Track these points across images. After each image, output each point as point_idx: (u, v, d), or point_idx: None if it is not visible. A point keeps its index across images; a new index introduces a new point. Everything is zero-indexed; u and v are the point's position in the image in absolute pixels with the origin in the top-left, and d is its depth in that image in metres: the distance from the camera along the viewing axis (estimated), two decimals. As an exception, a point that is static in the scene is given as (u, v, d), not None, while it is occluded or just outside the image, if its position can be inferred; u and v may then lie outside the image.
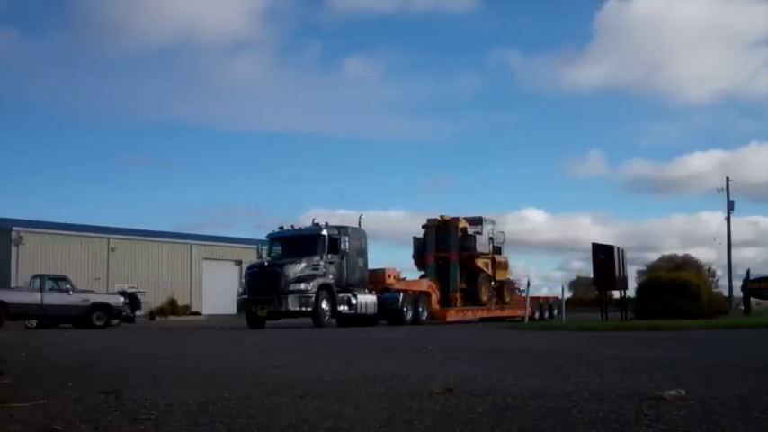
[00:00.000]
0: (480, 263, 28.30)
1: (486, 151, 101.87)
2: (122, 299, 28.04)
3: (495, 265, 29.18)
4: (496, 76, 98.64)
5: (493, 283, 29.06)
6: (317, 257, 22.94)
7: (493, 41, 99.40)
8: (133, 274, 51.40)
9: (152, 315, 43.48)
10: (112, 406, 3.55)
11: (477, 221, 28.85)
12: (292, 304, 21.83)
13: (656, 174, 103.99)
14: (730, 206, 48.47)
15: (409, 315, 24.36)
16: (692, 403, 3.39)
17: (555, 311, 32.23)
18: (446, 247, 27.37)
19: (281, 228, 24.78)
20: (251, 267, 23.98)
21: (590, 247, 25.06)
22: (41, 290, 24.77)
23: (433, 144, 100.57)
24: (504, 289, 30.04)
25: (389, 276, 25.44)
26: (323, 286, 22.36)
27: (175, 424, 3.04)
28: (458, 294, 27.44)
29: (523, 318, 27.77)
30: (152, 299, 46.94)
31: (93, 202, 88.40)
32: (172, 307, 47.72)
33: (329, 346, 9.77)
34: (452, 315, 26.42)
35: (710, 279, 57.68)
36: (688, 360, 6.46)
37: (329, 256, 23.03)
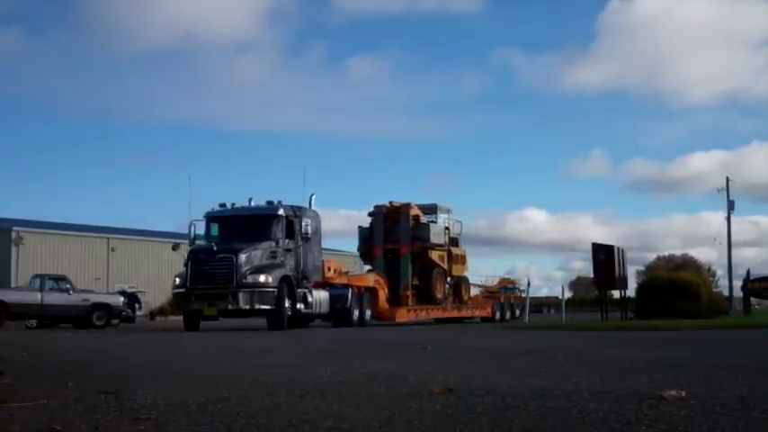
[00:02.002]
0: (435, 256, 24.90)
1: (489, 151, 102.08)
2: (122, 299, 28.05)
3: (451, 258, 25.84)
4: (499, 76, 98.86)
5: (449, 279, 26.05)
6: (274, 243, 19.29)
7: (496, 41, 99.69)
8: (133, 274, 51.42)
9: (152, 315, 43.50)
10: (112, 406, 3.55)
11: (431, 209, 25.65)
12: (250, 301, 18.23)
13: (658, 174, 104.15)
14: (730, 206, 48.55)
15: (355, 314, 21.15)
16: (691, 403, 3.39)
17: (517, 312, 29.88)
18: (396, 237, 24.08)
19: (222, 206, 20.44)
20: (195, 253, 19.21)
21: (590, 247, 25.04)
22: (41, 290, 24.77)
23: (436, 144, 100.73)
24: (461, 286, 27.04)
25: (329, 269, 21.87)
26: (284, 279, 18.72)
27: (175, 424, 3.04)
28: (409, 292, 24.08)
29: (484, 318, 26.47)
30: (152, 299, 46.96)
31: (93, 202, 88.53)
32: (172, 307, 47.70)
33: (329, 346, 9.77)
34: (403, 315, 23.27)
35: (710, 279, 57.76)
36: (688, 360, 6.46)
37: (286, 241, 19.37)
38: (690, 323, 16.30)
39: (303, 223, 19.75)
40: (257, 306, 18.32)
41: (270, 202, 20.14)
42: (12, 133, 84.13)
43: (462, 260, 26.79)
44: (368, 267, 24.78)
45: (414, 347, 8.76)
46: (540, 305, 68.04)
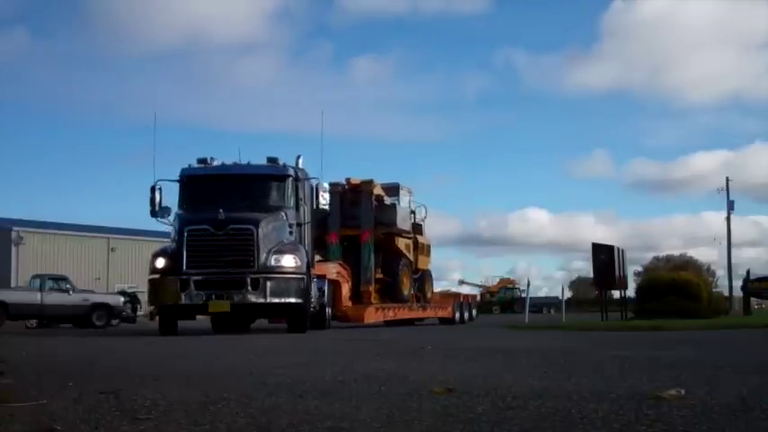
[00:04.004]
0: (401, 244, 21.23)
1: (491, 151, 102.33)
2: (122, 299, 28.07)
3: (417, 248, 22.25)
4: (502, 76, 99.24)
5: (413, 273, 22.20)
6: (284, 215, 14.98)
7: (499, 42, 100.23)
8: (133, 274, 51.40)
9: (152, 315, 43.47)
10: (112, 406, 3.55)
11: (393, 189, 21.62)
12: (275, 292, 14.01)
13: (660, 174, 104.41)
14: (730, 206, 48.66)
15: (328, 312, 17.55)
16: (692, 403, 3.39)
17: (473, 312, 27.07)
18: (356, 221, 20.06)
19: (203, 162, 15.63)
20: (193, 222, 14.32)
21: (591, 247, 25.04)
22: (41, 290, 24.80)
23: (438, 143, 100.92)
24: (425, 282, 23.35)
25: None
26: (307, 265, 14.86)
27: (175, 424, 3.04)
28: (372, 287, 20.16)
29: (443, 320, 23.66)
30: (152, 299, 46.92)
31: (93, 202, 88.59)
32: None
33: (329, 345, 9.76)
34: (371, 315, 19.17)
35: (710, 279, 57.77)
36: (688, 360, 6.46)
37: (294, 214, 15.30)
38: (690, 323, 16.30)
39: (305, 187, 15.84)
40: (283, 299, 14.18)
41: (272, 159, 15.72)
42: (12, 133, 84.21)
43: (428, 251, 23.42)
44: (318, 258, 19.21)
45: (414, 347, 8.76)
46: (540, 305, 68.14)
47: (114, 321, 26.18)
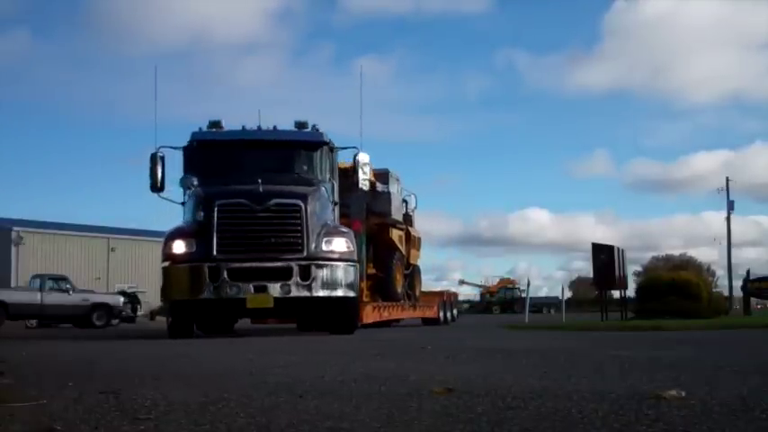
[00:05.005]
0: (395, 236, 19.27)
1: (493, 151, 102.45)
2: (122, 299, 28.10)
3: (409, 241, 20.48)
4: (504, 77, 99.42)
5: (405, 268, 20.25)
6: (324, 190, 12.71)
7: (501, 42, 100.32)
8: (133, 274, 51.40)
9: (152, 315, 43.49)
10: (112, 406, 3.55)
11: (383, 177, 18.91)
12: (330, 282, 11.82)
13: (661, 174, 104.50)
14: (730, 206, 48.73)
15: None
16: (692, 403, 3.39)
17: (455, 312, 25.64)
18: (345, 209, 16.57)
19: (215, 126, 13.24)
20: (226, 196, 11.86)
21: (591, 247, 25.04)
22: (41, 290, 24.82)
23: (440, 143, 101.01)
24: (415, 279, 21.53)
25: None
26: None
27: (175, 424, 3.04)
28: (364, 283, 17.15)
29: (428, 320, 22.33)
30: (152, 299, 46.94)
31: (93, 202, 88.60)
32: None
33: (329, 345, 9.76)
34: (369, 314, 17.13)
35: (710, 279, 57.81)
36: (688, 360, 6.46)
37: (331, 189, 13.18)
38: (690, 323, 16.30)
39: (334, 158, 13.48)
40: (333, 292, 11.95)
41: (302, 124, 13.38)
42: (12, 133, 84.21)
43: (419, 245, 21.72)
44: None
45: (414, 347, 8.76)
46: (540, 305, 68.18)
47: (114, 321, 26.20)
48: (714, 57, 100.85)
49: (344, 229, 12.70)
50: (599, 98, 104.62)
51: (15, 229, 48.84)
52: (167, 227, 12.98)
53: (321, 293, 11.80)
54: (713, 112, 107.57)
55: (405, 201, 20.76)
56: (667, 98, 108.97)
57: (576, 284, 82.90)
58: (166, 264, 12.10)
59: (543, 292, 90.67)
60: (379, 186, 18.78)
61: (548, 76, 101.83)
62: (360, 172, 13.51)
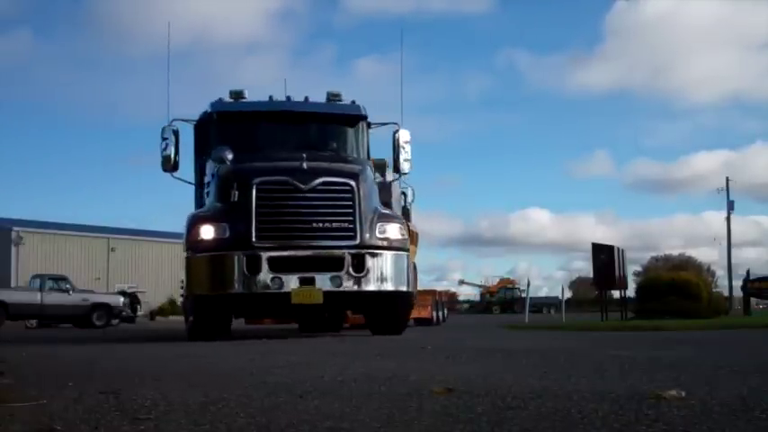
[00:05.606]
0: None
1: (493, 151, 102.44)
2: (122, 299, 28.12)
3: (409, 236, 19.30)
4: (505, 77, 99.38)
5: None
6: (369, 169, 11.34)
7: (502, 42, 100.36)
8: (133, 274, 51.41)
9: (152, 315, 43.50)
10: (112, 406, 3.54)
11: (381, 167, 16.72)
12: (385, 277, 10.49)
13: (661, 174, 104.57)
14: (730, 206, 48.75)
15: None
16: (691, 403, 3.39)
17: (445, 312, 24.72)
18: None
19: (237, 96, 11.67)
20: (266, 173, 10.36)
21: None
22: (41, 290, 24.84)
23: (441, 143, 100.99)
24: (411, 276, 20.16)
25: None
26: None
27: (175, 424, 3.04)
28: None
29: (420, 320, 21.29)
30: (152, 299, 46.95)
31: (93, 202, 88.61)
32: (172, 307, 47.76)
33: (328, 345, 9.75)
34: None
35: (710, 279, 57.83)
36: (688, 360, 6.46)
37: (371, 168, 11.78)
38: (690, 323, 16.30)
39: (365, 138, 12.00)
40: (386, 286, 10.55)
41: (335, 95, 11.95)
42: (12, 133, 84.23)
43: (416, 241, 20.07)
44: None
45: (414, 347, 8.76)
46: (540, 305, 68.17)
47: (114, 321, 26.21)
48: (714, 57, 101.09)
49: (396, 215, 11.41)
50: (600, 98, 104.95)
51: (15, 229, 48.85)
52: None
53: (372, 287, 10.34)
54: (713, 113, 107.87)
55: (403, 193, 19.29)
56: (668, 98, 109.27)
57: (576, 284, 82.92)
58: (193, 254, 10.44)
59: (543, 292, 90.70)
60: (378, 177, 17.25)
61: (548, 77, 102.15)
62: (401, 151, 11.98)
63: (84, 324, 24.64)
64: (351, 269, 10.17)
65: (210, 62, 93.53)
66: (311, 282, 10.06)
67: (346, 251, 10.18)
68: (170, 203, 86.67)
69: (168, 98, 11.67)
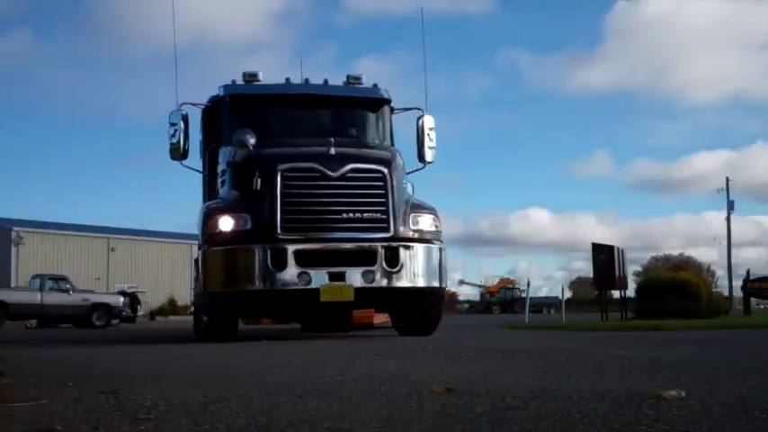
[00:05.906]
0: None
1: (494, 151, 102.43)
2: (122, 299, 28.13)
3: None
4: (506, 77, 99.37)
5: None
6: (398, 155, 10.64)
7: (503, 42, 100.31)
8: (133, 274, 51.40)
9: (152, 315, 43.50)
10: (112, 406, 3.55)
11: None
12: (419, 271, 9.84)
13: (662, 174, 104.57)
14: (730, 206, 48.76)
15: None
16: (691, 403, 3.39)
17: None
18: None
19: (252, 79, 10.90)
20: (290, 159, 9.60)
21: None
22: (41, 290, 24.85)
23: (441, 143, 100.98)
24: None
25: None
26: None
27: (175, 424, 3.04)
28: None
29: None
30: (152, 299, 46.94)
31: (93, 202, 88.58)
32: (172, 307, 47.76)
33: (329, 345, 9.75)
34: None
35: (710, 279, 57.83)
36: (688, 360, 6.45)
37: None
38: (690, 323, 16.29)
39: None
40: (418, 282, 9.90)
41: (356, 78, 11.19)
42: (12, 133, 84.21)
43: None
44: None
45: (414, 347, 8.75)
46: (540, 305, 68.15)
47: (114, 321, 26.23)
48: (715, 57, 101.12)
49: (429, 205, 10.51)
50: (600, 98, 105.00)
51: (15, 229, 48.85)
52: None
53: (404, 283, 9.63)
54: (714, 113, 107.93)
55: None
56: (668, 98, 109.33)
57: (577, 284, 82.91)
58: (208, 247, 9.66)
59: (543, 292, 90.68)
60: None
61: (549, 76, 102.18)
62: (426, 138, 11.26)
63: (84, 324, 24.64)
64: (384, 263, 9.47)
65: (212, 62, 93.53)
66: (341, 277, 9.32)
67: (379, 244, 9.49)
68: (171, 203, 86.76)
69: (176, 83, 10.83)
